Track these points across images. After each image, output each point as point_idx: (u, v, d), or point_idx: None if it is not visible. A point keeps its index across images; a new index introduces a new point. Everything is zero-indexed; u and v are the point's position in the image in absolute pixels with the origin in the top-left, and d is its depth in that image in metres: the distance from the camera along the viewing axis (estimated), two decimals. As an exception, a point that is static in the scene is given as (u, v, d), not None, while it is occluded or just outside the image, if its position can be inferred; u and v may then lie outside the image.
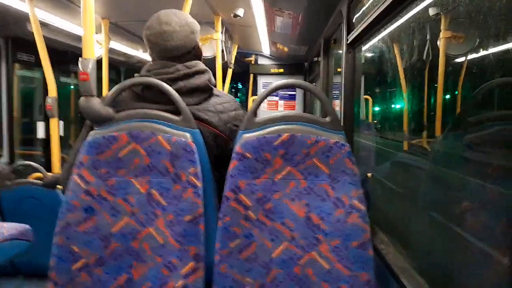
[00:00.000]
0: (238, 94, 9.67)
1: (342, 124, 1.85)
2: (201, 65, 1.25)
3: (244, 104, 7.81)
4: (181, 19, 1.24)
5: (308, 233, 1.06)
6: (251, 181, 1.08)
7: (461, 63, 2.38)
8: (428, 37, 2.50)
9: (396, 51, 2.81)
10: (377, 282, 1.07)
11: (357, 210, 1.05)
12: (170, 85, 1.15)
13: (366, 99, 3.92)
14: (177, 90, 1.15)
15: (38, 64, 2.58)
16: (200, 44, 1.31)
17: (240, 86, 9.72)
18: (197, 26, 1.28)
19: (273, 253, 1.07)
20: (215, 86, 1.28)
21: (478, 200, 1.12)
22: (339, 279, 1.04)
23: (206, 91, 1.24)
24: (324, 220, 1.06)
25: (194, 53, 1.28)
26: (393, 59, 2.84)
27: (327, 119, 1.11)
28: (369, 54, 3.08)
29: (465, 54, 2.29)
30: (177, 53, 1.23)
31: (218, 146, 1.23)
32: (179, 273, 1.05)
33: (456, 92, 2.35)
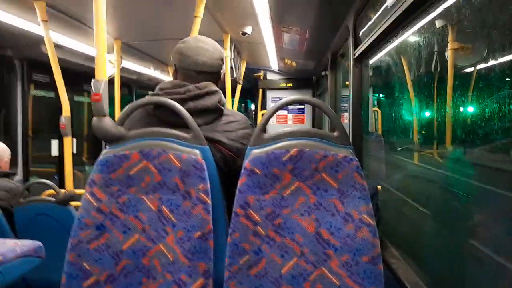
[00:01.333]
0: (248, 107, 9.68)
1: (350, 138, 1.85)
2: (212, 86, 1.28)
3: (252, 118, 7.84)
4: (215, 44, 1.33)
5: (318, 249, 1.06)
6: (260, 196, 1.08)
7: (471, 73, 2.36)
8: (435, 49, 2.50)
9: (404, 63, 2.81)
10: None
11: (366, 224, 1.05)
12: (181, 106, 1.17)
13: (375, 112, 3.90)
14: (187, 111, 1.17)
15: (52, 85, 2.65)
16: (223, 75, 1.38)
17: (249, 104, 9.68)
18: (224, 58, 1.37)
19: (282, 269, 1.06)
20: (224, 106, 1.31)
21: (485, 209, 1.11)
22: None
23: (216, 111, 1.26)
24: (334, 235, 1.06)
25: (217, 77, 1.34)
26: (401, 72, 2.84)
27: (335, 133, 1.12)
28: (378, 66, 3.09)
29: (474, 65, 2.28)
30: (205, 69, 1.28)
31: (226, 165, 1.24)
32: None
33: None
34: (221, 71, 1.35)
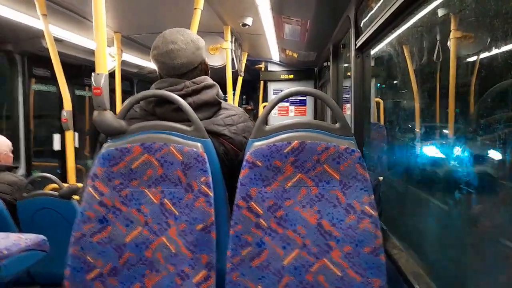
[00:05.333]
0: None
1: (352, 129, 1.85)
2: (208, 80, 1.27)
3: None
4: (186, 37, 1.26)
5: (320, 240, 1.06)
6: (262, 189, 1.08)
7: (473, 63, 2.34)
8: (438, 38, 2.47)
9: (406, 53, 2.79)
10: None
11: (368, 216, 1.05)
12: None
13: (378, 102, 3.89)
14: None
15: (53, 79, 2.65)
16: (206, 59, 1.33)
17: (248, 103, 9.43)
18: (202, 42, 1.30)
19: (284, 260, 1.07)
20: (223, 99, 1.30)
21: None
22: (351, 286, 1.03)
23: (215, 105, 1.26)
24: (335, 227, 1.06)
25: (201, 68, 1.30)
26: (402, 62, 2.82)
27: (337, 125, 1.11)
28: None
29: (477, 53, 2.25)
30: (185, 70, 1.25)
31: (228, 158, 1.24)
32: (192, 281, 1.06)
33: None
34: (204, 58, 1.30)
